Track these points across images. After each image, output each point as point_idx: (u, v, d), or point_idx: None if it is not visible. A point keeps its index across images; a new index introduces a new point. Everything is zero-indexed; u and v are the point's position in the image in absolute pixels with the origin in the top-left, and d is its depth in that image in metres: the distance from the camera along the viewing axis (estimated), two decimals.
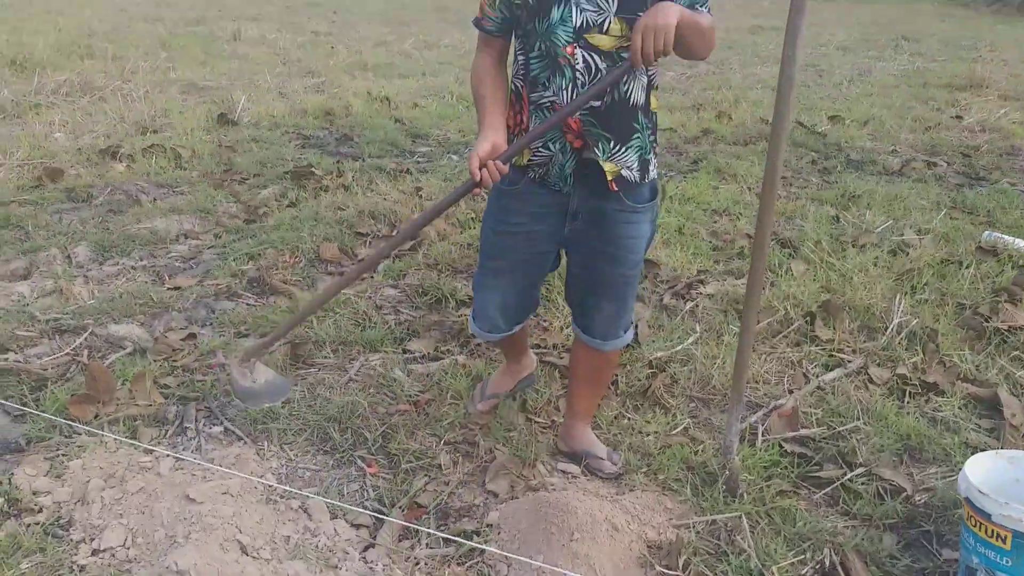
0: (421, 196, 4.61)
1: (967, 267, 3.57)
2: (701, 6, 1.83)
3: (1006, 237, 3.96)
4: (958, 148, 6.10)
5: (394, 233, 4.06)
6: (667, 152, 5.99)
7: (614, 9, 1.79)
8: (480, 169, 1.83)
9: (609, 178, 1.92)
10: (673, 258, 3.77)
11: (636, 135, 1.92)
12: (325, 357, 2.88)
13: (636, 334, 2.99)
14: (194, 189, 4.70)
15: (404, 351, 2.97)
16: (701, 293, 3.42)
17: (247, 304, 3.32)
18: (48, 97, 7.14)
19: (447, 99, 7.76)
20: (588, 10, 1.80)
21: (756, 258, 1.99)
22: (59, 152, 5.36)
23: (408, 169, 5.23)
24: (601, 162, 1.90)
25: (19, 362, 2.78)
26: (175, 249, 3.85)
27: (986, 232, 4.07)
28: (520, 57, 1.94)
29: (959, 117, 7.17)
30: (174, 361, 2.81)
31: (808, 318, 3.13)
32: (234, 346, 2.93)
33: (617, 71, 1.79)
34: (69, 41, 10.85)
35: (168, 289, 3.40)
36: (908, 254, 3.79)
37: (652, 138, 1.98)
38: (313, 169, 4.95)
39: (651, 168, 2.00)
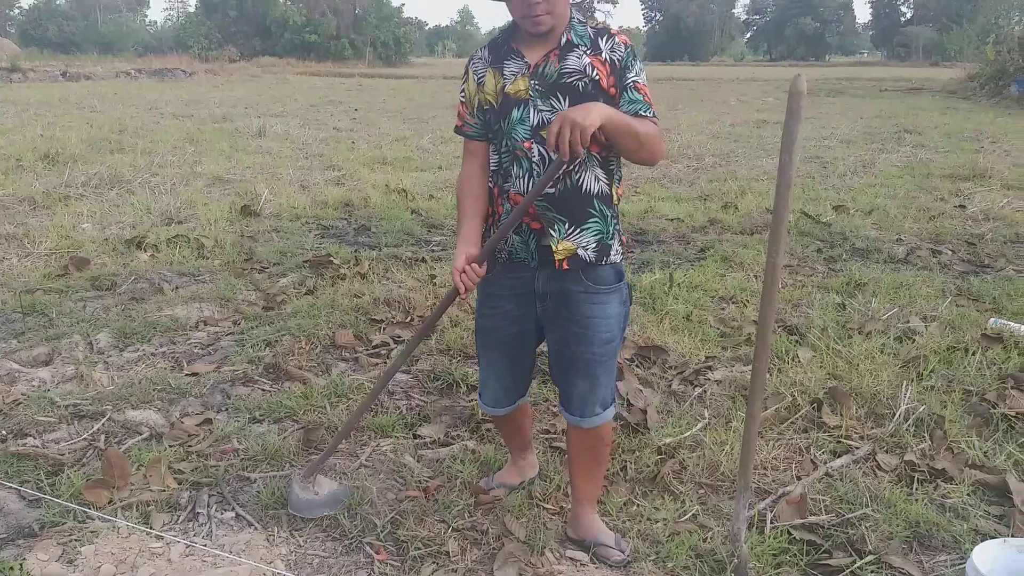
0: (435, 283, 4.72)
1: (973, 354, 3.60)
2: (645, 112, 2.01)
3: (1012, 324, 4.00)
4: (963, 236, 6.20)
5: (408, 320, 4.16)
6: (675, 241, 6.12)
7: (565, 108, 1.99)
8: (460, 277, 2.06)
9: (559, 258, 2.06)
10: (681, 344, 3.82)
11: (593, 219, 2.07)
12: None
13: (645, 419, 3.03)
14: (215, 278, 4.85)
15: (415, 436, 3.01)
16: (709, 379, 3.46)
17: (262, 390, 3.38)
18: (78, 189, 7.44)
19: None
20: (543, 111, 2.02)
21: (759, 347, 2.05)
22: (86, 242, 5.57)
23: (423, 258, 5.37)
24: (555, 244, 2.06)
25: (37, 447, 2.84)
26: (194, 336, 3.95)
27: (992, 319, 4.11)
28: (492, 156, 2.15)
29: (963, 206, 7.30)
30: (189, 447, 2.86)
31: (815, 404, 3.15)
32: (248, 431, 2.98)
33: (553, 166, 1.95)
34: (101, 137, 11.36)
35: (186, 375, 3.48)
36: (914, 341, 3.82)
37: (616, 225, 2.14)
38: (331, 258, 5.11)
39: (612, 252, 2.13)
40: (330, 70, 42.37)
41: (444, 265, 5.16)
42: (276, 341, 3.83)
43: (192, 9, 71.69)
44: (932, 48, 70.22)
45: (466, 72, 2.17)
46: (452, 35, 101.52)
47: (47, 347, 3.70)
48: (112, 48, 61.10)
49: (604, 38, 2.04)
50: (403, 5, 63.55)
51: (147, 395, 3.25)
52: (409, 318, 4.19)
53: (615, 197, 2.14)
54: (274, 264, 5.22)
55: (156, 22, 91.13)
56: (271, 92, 23.62)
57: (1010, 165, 9.73)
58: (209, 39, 51.72)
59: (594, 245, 2.08)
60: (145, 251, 5.36)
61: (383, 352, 3.80)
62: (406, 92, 25.92)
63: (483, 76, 2.13)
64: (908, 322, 4.09)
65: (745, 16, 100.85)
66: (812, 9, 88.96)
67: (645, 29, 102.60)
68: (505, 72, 2.07)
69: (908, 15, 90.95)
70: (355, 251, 5.49)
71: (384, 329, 4.07)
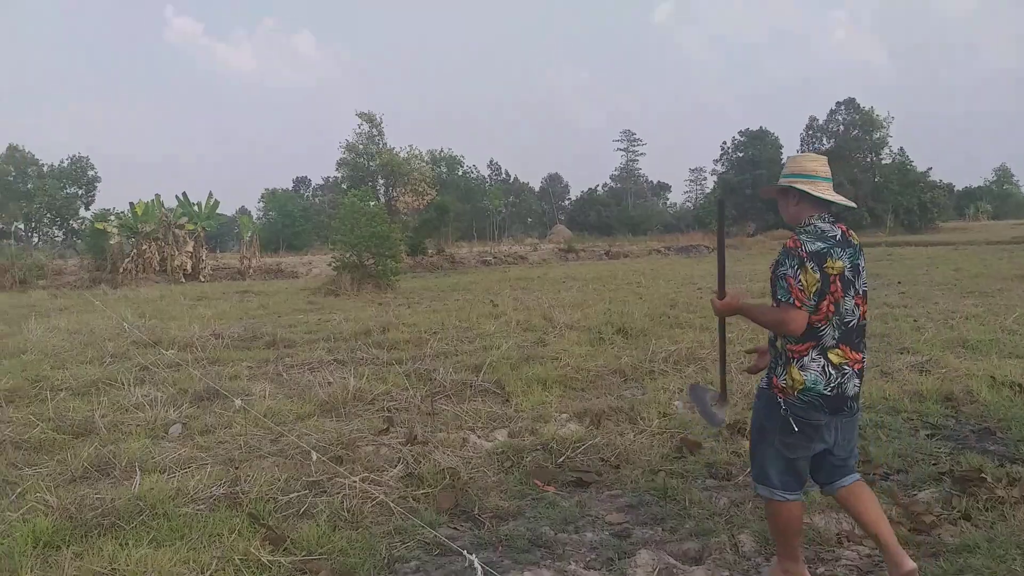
0: None
1: None
2: (776, 297, 3.03)
3: None
4: None
5: None
6: None
7: None
8: None
9: None
10: None
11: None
12: None
13: None
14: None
15: None
16: None
17: None
18: (659, 364, 7.88)
19: None
20: None
21: None
22: (687, 421, 5.68)
23: None
24: None
25: None
26: (843, 556, 3.49)
27: None
28: None
29: None
30: None
31: None
32: None
33: None
34: (658, 312, 12.29)
35: None
36: None
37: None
38: (982, 474, 4.24)
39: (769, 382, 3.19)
40: None
41: None
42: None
43: (709, 191, 78.22)
44: None
45: None
46: (986, 196, 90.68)
47: (696, 543, 3.62)
48: (639, 228, 69.53)
49: None
50: (930, 169, 59.65)
51: None
52: None
53: (780, 349, 3.11)
54: (898, 471, 4.56)
55: (676, 204, 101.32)
56: None
57: None
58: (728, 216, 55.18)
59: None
60: (746, 437, 5.21)
61: None
62: (946, 261, 23.43)
63: None
64: None
65: None
66: None
67: None
68: None
69: None
70: (1000, 464, 4.52)
71: None
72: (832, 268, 2.98)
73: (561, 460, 4.91)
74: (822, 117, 67.21)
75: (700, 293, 15.99)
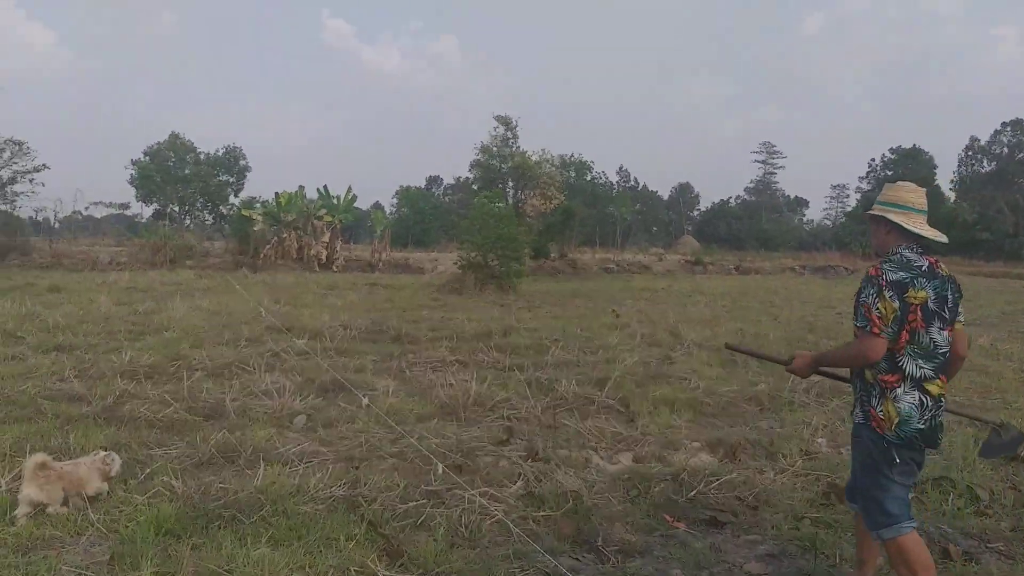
0: None
1: None
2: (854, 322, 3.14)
3: None
4: None
5: None
6: None
7: None
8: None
9: None
10: None
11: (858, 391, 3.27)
12: None
13: None
14: (1013, 550, 3.82)
15: None
16: None
17: None
18: (800, 395, 7.30)
19: None
20: None
21: None
22: (833, 464, 5.16)
23: None
24: None
25: None
26: None
27: None
28: None
29: None
30: None
31: None
32: None
33: None
34: (795, 336, 11.53)
35: None
36: None
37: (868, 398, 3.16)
38: None
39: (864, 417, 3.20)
40: (1000, 270, 38.04)
41: None
42: None
43: (851, 208, 74.07)
44: None
45: None
46: None
47: None
48: (771, 244, 66.68)
49: None
50: None
51: None
52: None
53: (871, 380, 3.10)
54: None
55: (812, 220, 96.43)
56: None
57: None
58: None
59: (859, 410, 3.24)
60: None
61: None
62: None
63: None
64: None
65: None
66: None
67: None
68: None
69: None
70: None
71: None
72: (914, 298, 3.02)
73: (692, 494, 4.55)
74: (984, 137, 62.28)
75: (840, 318, 14.97)
